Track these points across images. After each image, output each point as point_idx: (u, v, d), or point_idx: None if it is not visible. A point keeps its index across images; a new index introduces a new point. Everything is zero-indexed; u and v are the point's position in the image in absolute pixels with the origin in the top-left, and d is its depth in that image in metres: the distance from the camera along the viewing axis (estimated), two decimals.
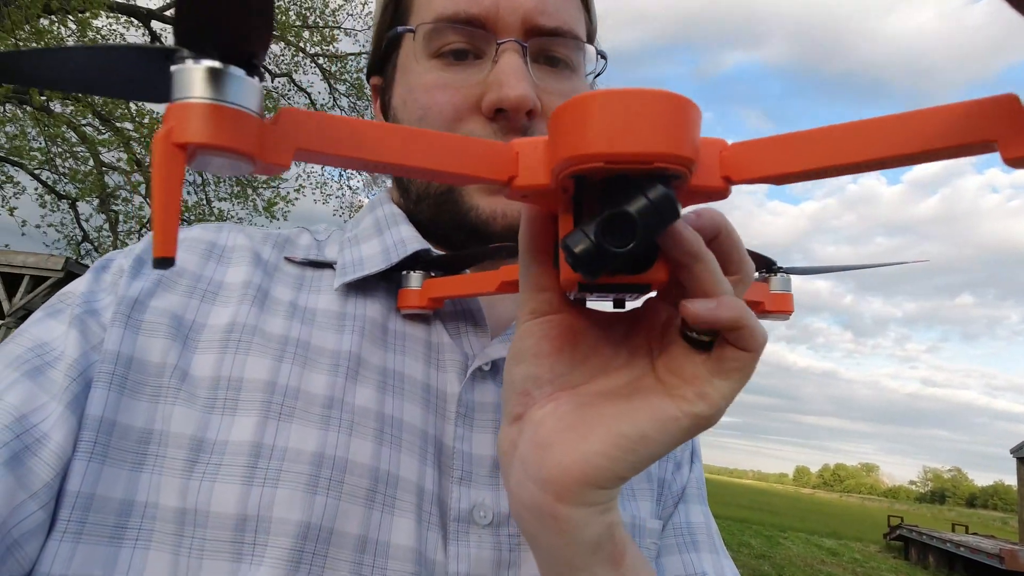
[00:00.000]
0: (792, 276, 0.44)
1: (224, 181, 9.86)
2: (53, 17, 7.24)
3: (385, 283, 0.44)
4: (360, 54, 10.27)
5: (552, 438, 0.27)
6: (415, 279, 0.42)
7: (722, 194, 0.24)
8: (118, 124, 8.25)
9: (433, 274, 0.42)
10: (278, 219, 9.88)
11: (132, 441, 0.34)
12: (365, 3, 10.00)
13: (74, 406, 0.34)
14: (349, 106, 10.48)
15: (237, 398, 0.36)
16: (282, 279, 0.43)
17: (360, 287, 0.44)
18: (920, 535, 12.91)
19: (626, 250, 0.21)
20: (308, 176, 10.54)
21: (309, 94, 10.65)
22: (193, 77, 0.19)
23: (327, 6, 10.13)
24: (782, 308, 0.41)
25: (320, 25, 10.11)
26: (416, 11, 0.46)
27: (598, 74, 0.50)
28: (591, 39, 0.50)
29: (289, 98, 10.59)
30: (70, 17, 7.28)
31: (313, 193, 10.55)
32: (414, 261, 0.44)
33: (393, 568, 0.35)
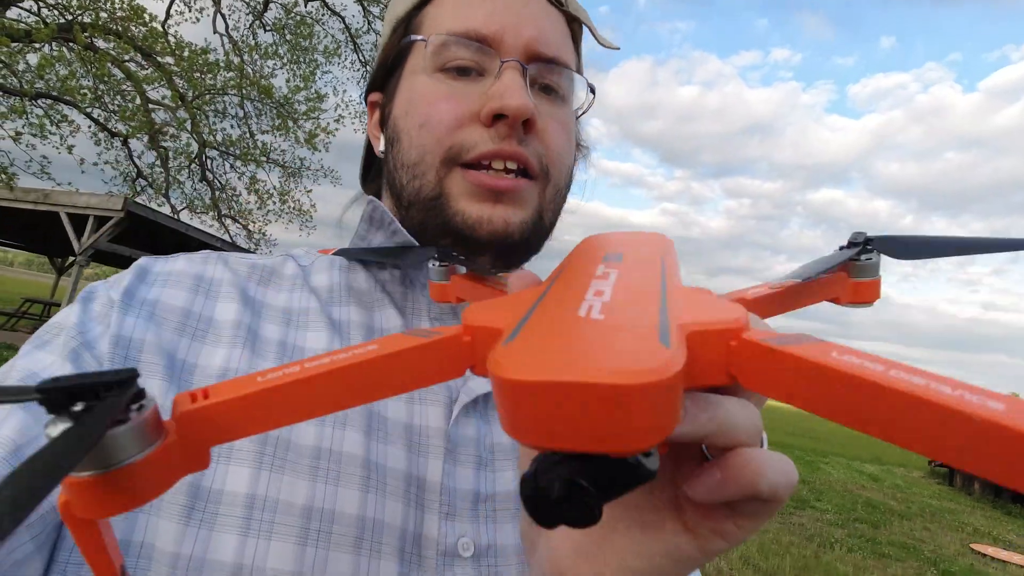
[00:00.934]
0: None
1: (265, 114, 9.90)
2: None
3: (369, 318, 0.46)
4: None
5: (566, 565, 0.27)
6: (436, 273, 0.40)
7: (731, 390, 0.22)
8: (159, 59, 8.30)
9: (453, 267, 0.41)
10: (319, 150, 9.94)
11: None
12: None
13: None
14: None
15: (232, 445, 0.37)
16: (270, 315, 0.44)
17: (347, 320, 0.46)
18: None
19: (585, 515, 0.17)
20: (347, 106, 10.44)
21: (343, 17, 10.35)
22: None
23: None
24: (864, 298, 0.34)
25: None
26: (426, 30, 0.48)
27: (584, 111, 0.53)
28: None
29: (324, 23, 10.34)
30: None
31: (353, 123, 10.47)
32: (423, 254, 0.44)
33: None
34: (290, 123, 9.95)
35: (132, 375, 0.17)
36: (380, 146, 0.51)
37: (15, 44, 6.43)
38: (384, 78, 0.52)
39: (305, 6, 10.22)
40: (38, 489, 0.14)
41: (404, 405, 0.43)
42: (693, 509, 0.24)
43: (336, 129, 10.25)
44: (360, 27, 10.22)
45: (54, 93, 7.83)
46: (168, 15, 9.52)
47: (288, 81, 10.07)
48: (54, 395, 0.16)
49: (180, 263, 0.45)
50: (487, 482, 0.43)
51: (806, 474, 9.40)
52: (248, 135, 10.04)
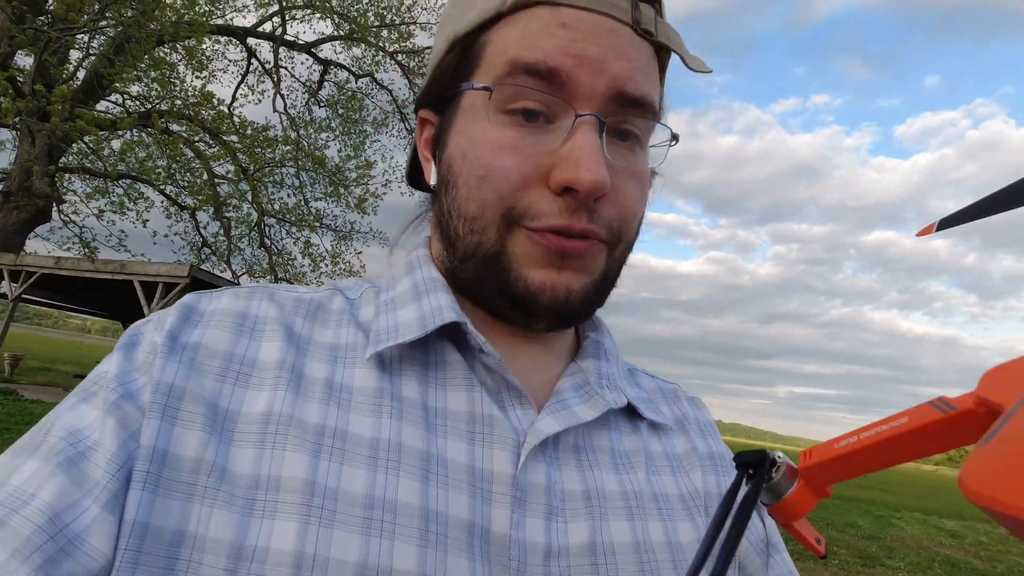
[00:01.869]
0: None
1: (319, 182, 10.59)
2: (165, 48, 8.04)
3: (422, 351, 0.43)
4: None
5: None
6: None
7: None
8: (225, 138, 9.11)
9: None
10: (369, 214, 10.50)
11: (164, 545, 0.32)
12: None
13: (113, 505, 0.32)
14: None
15: (277, 499, 0.35)
16: (316, 352, 0.42)
17: (396, 355, 0.42)
18: None
19: None
20: (394, 171, 11.06)
21: (391, 91, 11.12)
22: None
23: (402, 4, 10.48)
24: None
25: (397, 23, 10.48)
26: (489, 59, 0.42)
27: (660, 162, 0.48)
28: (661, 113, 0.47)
29: (373, 96, 11.12)
30: (178, 44, 8.06)
31: (400, 186, 11.05)
32: (455, 328, 0.43)
33: None
34: (341, 190, 10.60)
35: (765, 456, 0.31)
36: (432, 178, 0.47)
37: (102, 132, 7.21)
38: (439, 98, 0.46)
39: (356, 82, 11.07)
40: (748, 512, 0.30)
41: (466, 446, 0.40)
42: None
43: (384, 193, 10.85)
44: (406, 98, 10.96)
45: (133, 173, 8.67)
46: (234, 98, 10.49)
47: (340, 151, 10.81)
48: (742, 468, 0.31)
49: (225, 300, 0.43)
50: (559, 534, 0.39)
51: (875, 530, 8.78)
52: (303, 202, 10.72)
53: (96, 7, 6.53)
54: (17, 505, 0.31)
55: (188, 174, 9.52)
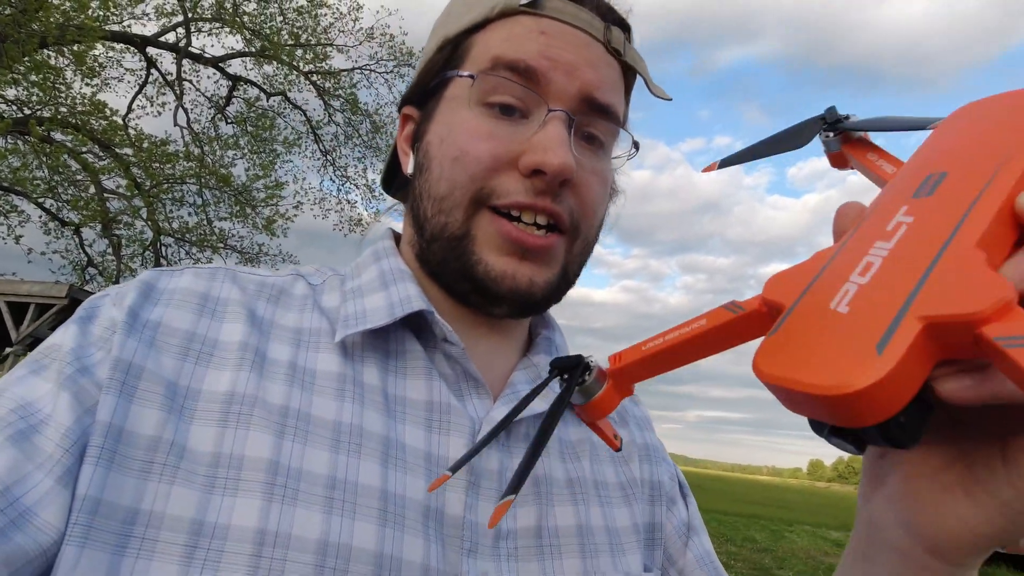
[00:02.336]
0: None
1: (224, 201, 10.06)
2: (49, 51, 7.44)
3: (383, 339, 0.44)
4: (352, 69, 10.45)
5: (926, 496, 0.26)
6: (830, 143, 0.37)
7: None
8: (117, 150, 8.47)
9: None
10: (278, 235, 10.07)
11: (116, 521, 0.32)
12: (356, 20, 10.18)
13: (66, 480, 0.32)
14: (344, 121, 10.67)
15: (239, 478, 0.35)
16: (279, 335, 0.42)
17: (359, 342, 0.43)
18: None
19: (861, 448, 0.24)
20: (306, 193, 10.72)
21: (304, 111, 10.85)
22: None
23: (319, 24, 10.32)
24: None
25: (313, 43, 10.30)
26: (473, 57, 0.45)
27: (623, 163, 0.51)
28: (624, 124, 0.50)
29: (285, 115, 10.79)
30: (65, 49, 7.48)
31: (312, 209, 10.72)
32: (418, 318, 0.44)
33: None
34: (248, 210, 10.11)
35: (581, 360, 0.32)
36: (409, 167, 0.49)
37: None
38: (423, 95, 0.49)
39: (267, 100, 10.70)
40: (557, 414, 0.30)
41: (424, 433, 0.41)
42: None
43: (295, 215, 10.45)
44: (321, 119, 10.72)
45: (5, 184, 7.85)
46: (130, 109, 9.80)
47: (247, 170, 10.33)
48: (555, 371, 0.32)
49: (187, 279, 0.42)
50: (509, 518, 0.41)
51: (771, 543, 9.31)
52: (206, 222, 10.12)
53: None
54: None
55: (72, 187, 8.72)
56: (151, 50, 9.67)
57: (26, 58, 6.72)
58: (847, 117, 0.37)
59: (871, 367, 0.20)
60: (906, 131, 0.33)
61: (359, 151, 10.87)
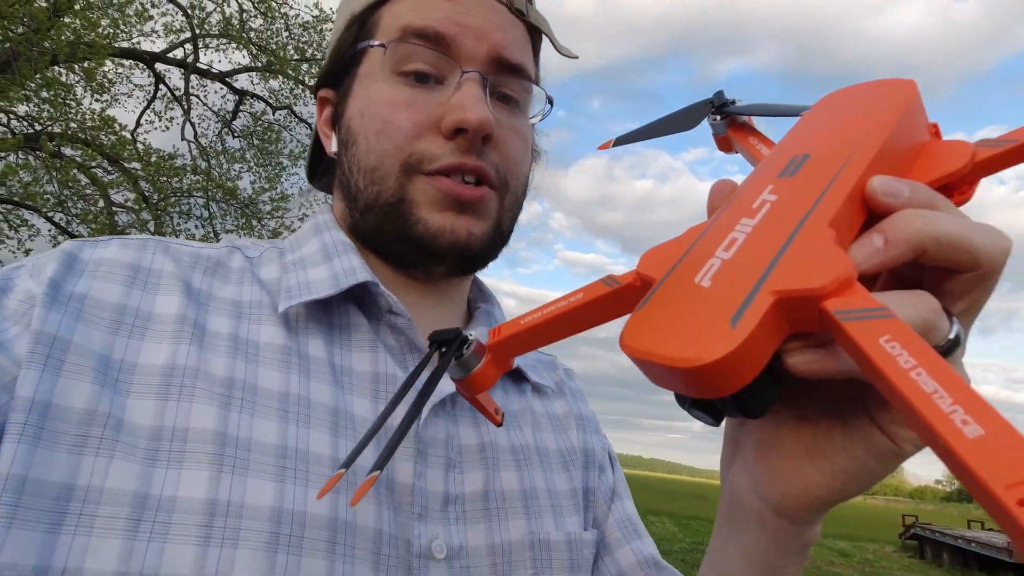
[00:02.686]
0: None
1: (230, 214, 10.18)
2: (60, 68, 7.59)
3: (326, 312, 0.44)
4: None
5: (772, 462, 0.28)
6: (717, 126, 0.39)
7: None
8: (126, 164, 8.60)
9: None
10: None
11: (48, 499, 0.31)
12: None
13: None
14: None
15: (184, 450, 0.34)
16: (218, 308, 0.41)
17: (302, 314, 0.43)
18: (933, 533, 12.89)
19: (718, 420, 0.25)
20: (311, 205, 10.82)
21: (309, 124, 10.98)
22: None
23: (323, 39, 10.47)
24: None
25: (318, 58, 10.45)
26: (383, 29, 0.46)
27: (540, 119, 0.52)
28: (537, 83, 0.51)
29: (291, 129, 10.93)
30: (76, 66, 7.63)
31: None
32: (362, 291, 0.44)
33: None
34: (254, 222, 10.22)
35: (459, 333, 0.31)
36: (332, 146, 0.49)
37: None
38: (337, 75, 0.50)
39: (273, 114, 10.85)
40: (434, 383, 0.28)
41: (371, 404, 0.42)
42: (883, 408, 0.25)
43: (300, 226, 10.54)
44: None
45: (15, 199, 7.97)
46: (138, 124, 9.97)
47: (253, 183, 10.47)
48: (434, 345, 0.31)
49: (113, 250, 0.40)
50: (456, 484, 0.42)
51: None
52: (212, 234, 10.23)
53: None
54: None
55: (81, 201, 8.86)
56: (159, 66, 9.85)
57: (38, 75, 6.86)
58: (733, 102, 0.39)
59: (724, 339, 0.21)
60: (785, 116, 0.35)
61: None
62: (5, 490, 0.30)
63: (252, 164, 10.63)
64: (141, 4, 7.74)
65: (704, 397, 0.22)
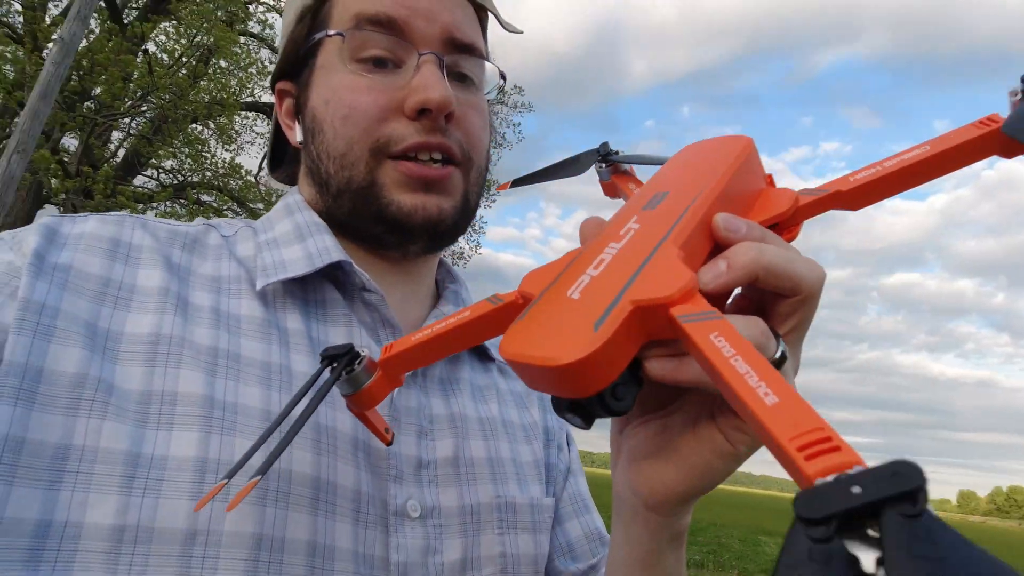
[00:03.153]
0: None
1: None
2: (197, 125, 8.62)
3: (302, 289, 0.45)
4: None
5: (641, 463, 0.32)
6: (603, 173, 0.44)
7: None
8: (251, 206, 9.58)
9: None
10: None
11: (46, 458, 0.32)
12: None
13: None
14: None
15: (173, 412, 0.36)
16: (198, 283, 0.42)
17: (279, 291, 0.44)
18: None
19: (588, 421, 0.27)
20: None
21: None
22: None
23: None
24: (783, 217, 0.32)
25: None
26: (336, 18, 0.47)
27: (500, 91, 0.54)
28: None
29: None
30: (211, 122, 8.64)
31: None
32: (334, 270, 0.46)
33: (339, 569, 0.37)
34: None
35: (351, 349, 0.32)
36: (296, 136, 0.50)
37: (140, 205, 7.68)
38: (294, 67, 0.51)
39: None
40: (316, 403, 0.31)
41: None
42: (724, 415, 0.29)
43: None
44: None
45: None
46: (260, 168, 11.05)
47: None
48: (326, 360, 0.32)
49: (92, 224, 0.41)
50: (428, 450, 0.45)
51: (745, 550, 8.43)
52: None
53: (138, 93, 7.10)
54: None
55: None
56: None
57: (180, 134, 7.84)
58: (616, 152, 0.43)
59: (587, 341, 0.23)
60: (658, 164, 0.39)
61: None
62: (5, 450, 0.31)
63: None
64: (261, 63, 8.64)
65: (573, 396, 0.25)
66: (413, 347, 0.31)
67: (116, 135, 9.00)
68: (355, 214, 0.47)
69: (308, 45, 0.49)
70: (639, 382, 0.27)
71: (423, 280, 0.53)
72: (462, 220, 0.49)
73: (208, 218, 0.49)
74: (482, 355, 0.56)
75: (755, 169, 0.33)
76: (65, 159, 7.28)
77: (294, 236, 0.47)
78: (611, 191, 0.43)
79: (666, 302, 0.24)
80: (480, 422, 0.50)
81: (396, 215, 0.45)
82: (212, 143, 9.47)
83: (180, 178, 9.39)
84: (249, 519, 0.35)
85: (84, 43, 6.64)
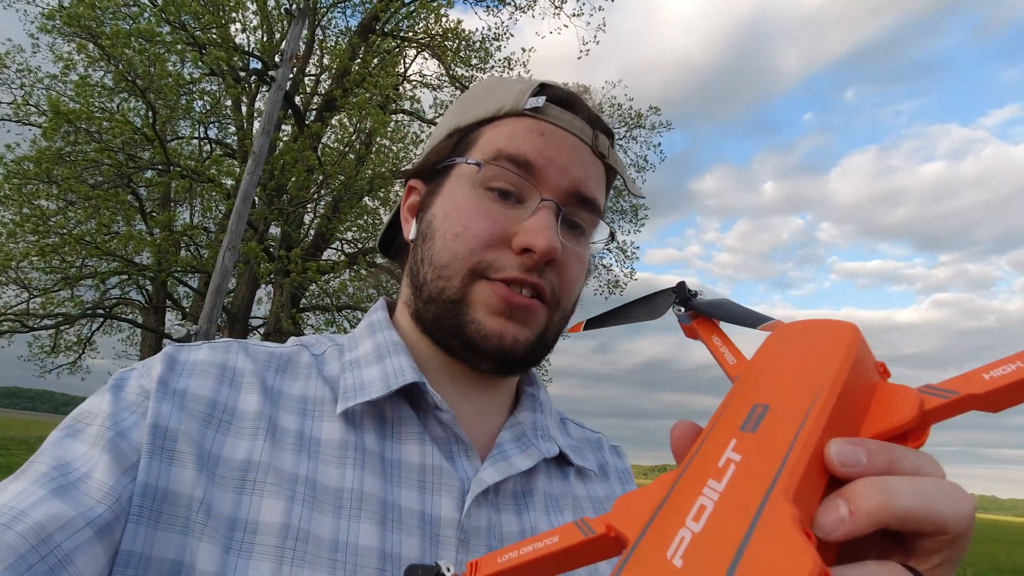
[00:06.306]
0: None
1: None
2: (367, 198, 9.80)
3: (380, 407, 0.48)
4: None
5: None
6: (682, 317, 0.41)
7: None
8: None
9: None
10: None
11: (164, 574, 0.36)
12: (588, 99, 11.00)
13: (104, 533, 0.34)
14: None
15: (254, 541, 0.38)
16: (287, 405, 0.46)
17: (359, 410, 0.47)
18: None
19: None
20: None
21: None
22: None
23: None
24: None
25: None
26: (480, 147, 0.51)
27: (600, 247, 0.57)
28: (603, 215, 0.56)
29: None
30: (379, 193, 9.79)
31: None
32: (411, 387, 0.48)
33: None
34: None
35: (437, 570, 0.32)
36: (411, 233, 0.54)
37: (325, 276, 8.92)
38: (429, 171, 0.55)
39: None
40: None
41: (417, 494, 0.45)
42: None
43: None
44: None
45: (350, 304, 10.41)
46: None
47: None
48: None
49: (204, 352, 0.47)
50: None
51: None
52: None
53: (319, 180, 8.34)
54: (9, 521, 0.33)
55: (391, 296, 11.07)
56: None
57: (353, 209, 8.98)
58: (695, 294, 0.40)
59: None
60: (742, 326, 0.34)
61: (607, 216, 11.40)
62: (133, 566, 0.35)
63: None
64: (415, 133, 9.63)
65: None
66: (499, 572, 0.29)
67: (306, 218, 10.60)
68: (437, 323, 0.50)
69: (448, 163, 0.53)
70: None
71: (501, 391, 0.55)
72: (536, 353, 0.51)
73: (319, 331, 0.59)
74: (560, 460, 0.56)
75: (866, 362, 0.29)
76: (271, 245, 8.75)
77: (374, 356, 0.51)
78: (692, 334, 0.40)
79: None
80: None
81: (473, 335, 0.48)
82: (381, 212, 10.67)
83: (357, 247, 10.70)
84: None
85: (280, 145, 8.02)
